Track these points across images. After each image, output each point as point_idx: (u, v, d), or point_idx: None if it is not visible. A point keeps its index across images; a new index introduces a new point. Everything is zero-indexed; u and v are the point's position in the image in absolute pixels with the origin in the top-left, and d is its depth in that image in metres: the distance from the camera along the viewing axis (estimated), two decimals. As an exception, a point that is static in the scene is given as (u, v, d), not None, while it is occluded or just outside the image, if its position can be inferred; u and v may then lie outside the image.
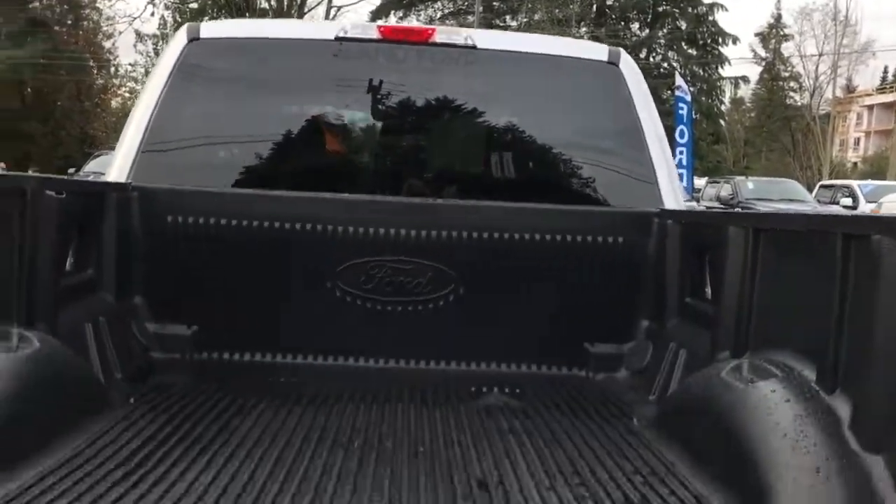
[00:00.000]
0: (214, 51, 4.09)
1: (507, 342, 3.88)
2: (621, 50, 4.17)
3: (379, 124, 4.31)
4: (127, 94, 44.89)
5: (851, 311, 2.22)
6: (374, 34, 4.07)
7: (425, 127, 4.36)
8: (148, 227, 3.75)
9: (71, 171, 22.25)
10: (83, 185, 3.37)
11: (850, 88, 60.26)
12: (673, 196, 3.88)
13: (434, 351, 3.87)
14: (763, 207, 18.76)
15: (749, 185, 24.54)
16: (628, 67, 4.05)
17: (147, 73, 43.27)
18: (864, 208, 20.92)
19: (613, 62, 4.05)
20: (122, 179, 3.77)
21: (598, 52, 4.14)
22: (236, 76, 4.15)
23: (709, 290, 3.40)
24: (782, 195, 22.94)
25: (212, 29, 4.14)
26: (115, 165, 3.92)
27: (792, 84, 54.55)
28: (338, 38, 4.02)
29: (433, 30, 4.14)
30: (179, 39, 4.02)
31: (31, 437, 2.28)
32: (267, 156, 4.16)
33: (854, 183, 26.08)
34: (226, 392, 3.22)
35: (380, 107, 4.20)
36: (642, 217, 3.83)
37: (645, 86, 4.10)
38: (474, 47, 4.02)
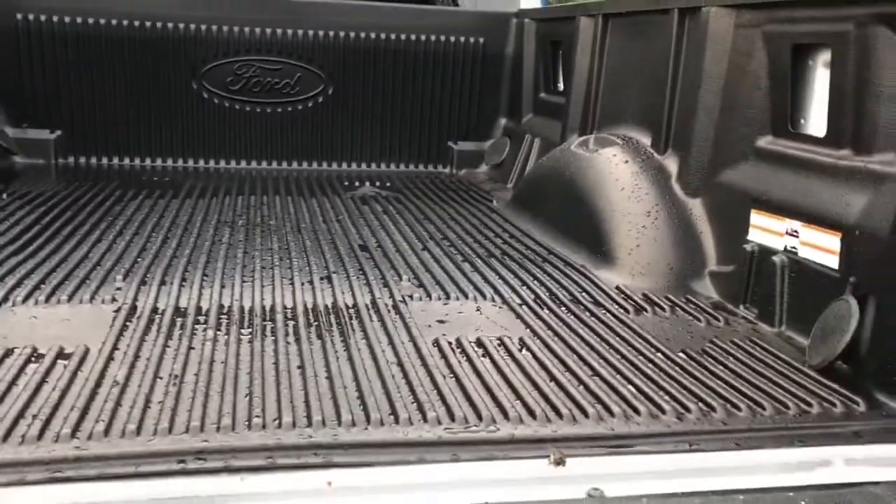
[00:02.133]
0: None
1: (375, 142, 4.06)
2: None
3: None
4: None
5: (682, 82, 2.54)
6: None
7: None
8: None
9: None
10: None
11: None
12: (530, -2, 4.07)
13: (305, 152, 4.01)
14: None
15: None
16: None
17: None
18: None
19: None
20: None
21: None
22: None
23: (561, 84, 3.68)
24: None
25: None
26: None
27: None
28: None
29: None
30: None
31: None
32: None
33: None
34: (100, 189, 3.26)
35: None
36: (501, 17, 4.02)
37: None
38: None
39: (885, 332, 1.61)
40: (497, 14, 4.04)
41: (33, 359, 1.59)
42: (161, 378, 1.53)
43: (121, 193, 3.20)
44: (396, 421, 1.40)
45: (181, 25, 3.72)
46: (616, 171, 2.55)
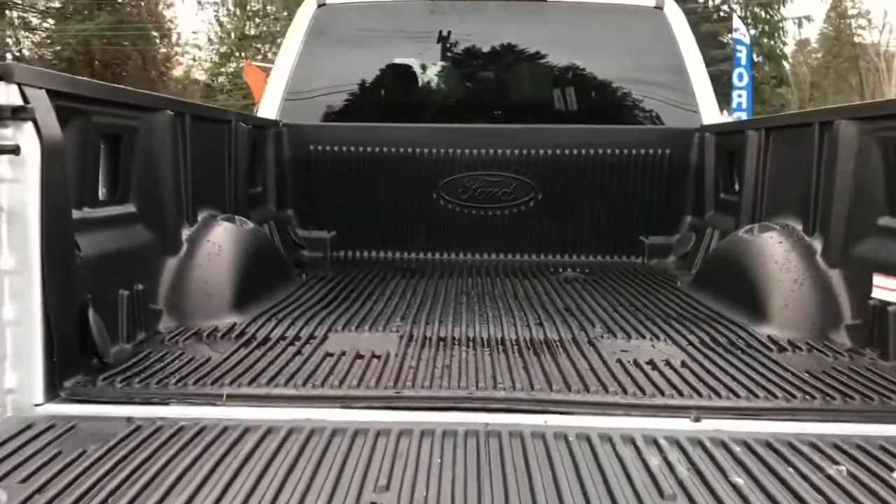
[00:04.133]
0: (336, 14, 5.14)
1: (576, 237, 4.89)
2: None
3: (469, 68, 5.33)
4: (191, 61, 46.00)
5: (824, 179, 3.17)
6: None
7: (505, 67, 5.35)
8: (294, 153, 4.86)
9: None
10: (256, 119, 4.47)
11: (921, 23, 58.34)
12: (710, 114, 4.81)
13: (519, 246, 4.91)
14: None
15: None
16: (672, 11, 4.97)
17: (209, 40, 44.47)
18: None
19: (659, 6, 4.97)
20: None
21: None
22: (352, 35, 5.19)
23: (737, 185, 4.33)
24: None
25: None
26: (263, 111, 5.04)
27: (861, 21, 53.21)
28: None
29: None
30: (309, 6, 5.08)
31: (266, 282, 3.42)
32: (381, 97, 5.23)
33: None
34: (366, 273, 4.32)
35: (470, 53, 5.23)
36: (687, 132, 4.77)
37: (686, 25, 5.01)
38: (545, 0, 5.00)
39: None
40: (683, 129, 4.80)
41: (358, 358, 2.52)
42: (437, 367, 2.40)
43: (382, 276, 4.24)
44: (587, 391, 2.17)
45: (426, 150, 4.83)
46: (772, 250, 3.19)
